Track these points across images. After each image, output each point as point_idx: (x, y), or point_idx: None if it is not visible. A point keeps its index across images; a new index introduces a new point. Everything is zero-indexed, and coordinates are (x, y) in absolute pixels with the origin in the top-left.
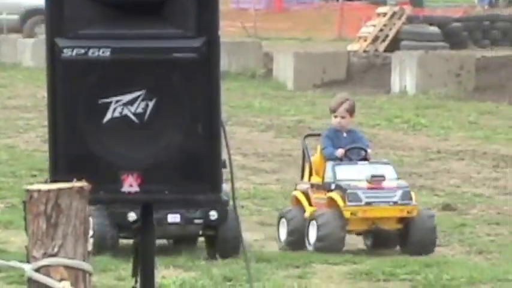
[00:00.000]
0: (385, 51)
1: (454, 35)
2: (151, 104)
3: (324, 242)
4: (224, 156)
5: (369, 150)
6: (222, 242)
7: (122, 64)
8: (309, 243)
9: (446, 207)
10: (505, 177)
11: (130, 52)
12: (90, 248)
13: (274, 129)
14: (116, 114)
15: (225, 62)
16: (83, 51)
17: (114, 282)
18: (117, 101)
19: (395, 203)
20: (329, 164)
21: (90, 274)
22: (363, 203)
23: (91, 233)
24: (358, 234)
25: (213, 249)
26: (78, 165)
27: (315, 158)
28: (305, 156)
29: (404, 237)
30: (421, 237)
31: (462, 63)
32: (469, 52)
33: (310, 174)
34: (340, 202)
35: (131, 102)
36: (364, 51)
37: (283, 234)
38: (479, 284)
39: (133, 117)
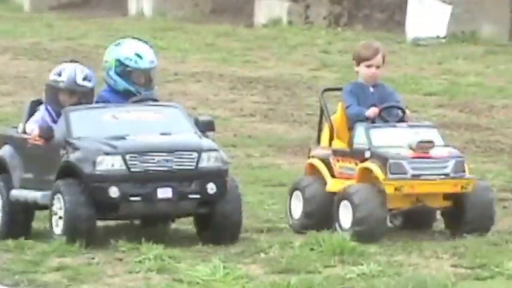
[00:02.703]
0: None
1: None
2: None
3: (362, 226)
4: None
5: (407, 111)
6: (220, 223)
7: None
8: (341, 227)
9: None
10: (242, 99)
11: None
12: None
13: (11, 52)
14: None
15: None
16: None
17: None
18: None
19: (447, 175)
20: (360, 126)
21: None
22: (408, 175)
23: (61, 213)
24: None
25: (208, 232)
26: None
27: (336, 117)
28: (323, 115)
29: (454, 216)
30: (478, 215)
31: None
32: None
33: (331, 139)
34: (379, 174)
35: None
36: None
37: (297, 210)
38: None
39: None
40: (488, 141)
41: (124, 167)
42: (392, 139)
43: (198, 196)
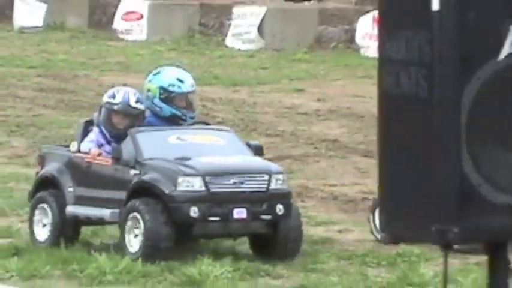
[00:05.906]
0: None
1: None
2: None
3: None
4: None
5: None
6: (283, 242)
7: None
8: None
9: None
10: None
11: None
12: (135, 250)
13: None
14: None
15: None
16: None
17: None
18: None
19: None
20: None
21: None
22: None
23: (139, 232)
24: None
25: (267, 249)
26: None
27: None
28: None
29: None
30: None
31: None
32: None
33: None
34: None
35: None
36: None
37: None
38: None
39: None
40: (73, 100)
41: (204, 188)
42: None
43: (269, 217)
